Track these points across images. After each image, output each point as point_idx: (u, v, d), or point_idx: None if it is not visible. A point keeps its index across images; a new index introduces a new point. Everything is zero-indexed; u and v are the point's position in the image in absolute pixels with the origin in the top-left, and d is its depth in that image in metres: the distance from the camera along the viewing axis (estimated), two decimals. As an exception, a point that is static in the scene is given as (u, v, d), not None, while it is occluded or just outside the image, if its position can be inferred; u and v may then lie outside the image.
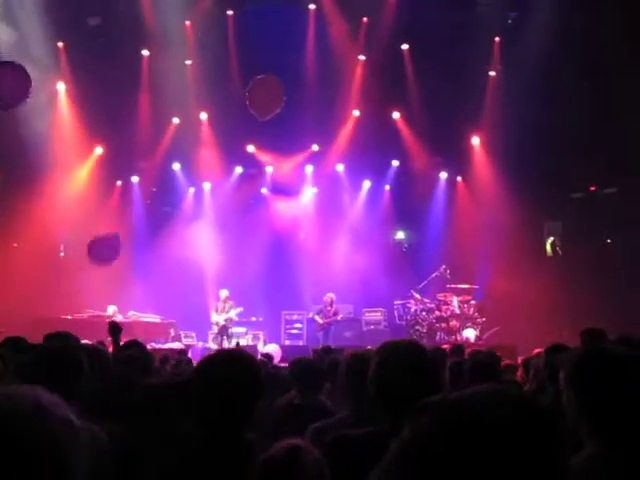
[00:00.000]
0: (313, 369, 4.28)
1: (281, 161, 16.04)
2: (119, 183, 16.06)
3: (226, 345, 13.36)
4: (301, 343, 14.41)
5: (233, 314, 13.68)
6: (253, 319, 14.78)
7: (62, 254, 15.78)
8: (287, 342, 14.51)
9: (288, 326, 15.23)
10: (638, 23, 12.44)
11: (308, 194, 16.57)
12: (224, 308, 13.69)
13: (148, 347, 6.21)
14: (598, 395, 1.75)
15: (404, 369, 2.14)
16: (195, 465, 2.04)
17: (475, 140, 15.82)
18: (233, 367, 2.14)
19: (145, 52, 14.72)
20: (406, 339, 2.60)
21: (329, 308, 13.93)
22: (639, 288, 13.73)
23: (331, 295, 14.04)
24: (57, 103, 14.54)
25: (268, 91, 11.97)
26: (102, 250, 12.46)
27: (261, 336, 14.60)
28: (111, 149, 15.21)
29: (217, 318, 13.69)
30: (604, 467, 1.67)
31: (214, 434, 2.09)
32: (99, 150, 15.33)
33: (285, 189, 16.43)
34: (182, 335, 14.16)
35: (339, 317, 13.93)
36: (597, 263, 14.61)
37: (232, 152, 15.68)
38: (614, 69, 13.12)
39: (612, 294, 13.76)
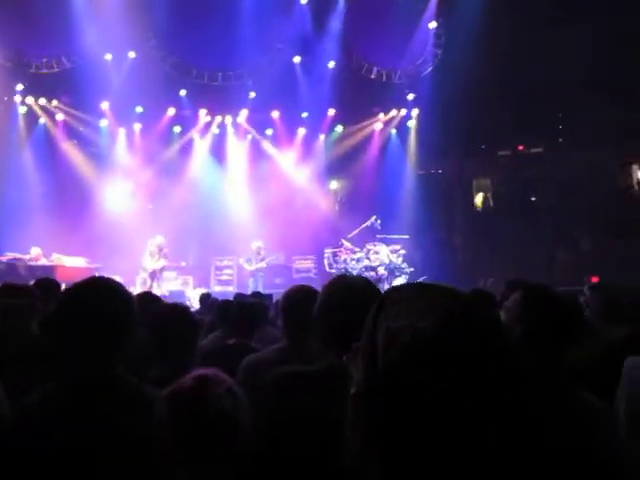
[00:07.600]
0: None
1: (215, 105, 15.61)
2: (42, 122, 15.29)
3: (155, 290, 13.13)
4: (231, 289, 14.33)
5: (165, 262, 13.39)
6: (183, 264, 14.58)
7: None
8: (217, 288, 14.42)
9: (218, 272, 15.13)
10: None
11: (242, 139, 16.28)
12: (160, 254, 13.27)
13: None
14: None
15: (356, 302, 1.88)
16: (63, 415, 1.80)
17: (410, 95, 15.87)
18: (98, 296, 1.88)
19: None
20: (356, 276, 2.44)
21: (257, 255, 13.87)
22: (559, 242, 14.40)
23: (258, 243, 13.98)
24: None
25: None
26: None
27: (190, 281, 14.45)
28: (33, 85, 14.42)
29: (151, 264, 13.25)
30: None
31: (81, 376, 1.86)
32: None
33: (219, 134, 16.08)
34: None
35: (265, 263, 13.91)
36: (522, 219, 15.15)
37: (165, 93, 15.05)
38: (549, 28, 13.35)
39: (535, 247, 14.36)
